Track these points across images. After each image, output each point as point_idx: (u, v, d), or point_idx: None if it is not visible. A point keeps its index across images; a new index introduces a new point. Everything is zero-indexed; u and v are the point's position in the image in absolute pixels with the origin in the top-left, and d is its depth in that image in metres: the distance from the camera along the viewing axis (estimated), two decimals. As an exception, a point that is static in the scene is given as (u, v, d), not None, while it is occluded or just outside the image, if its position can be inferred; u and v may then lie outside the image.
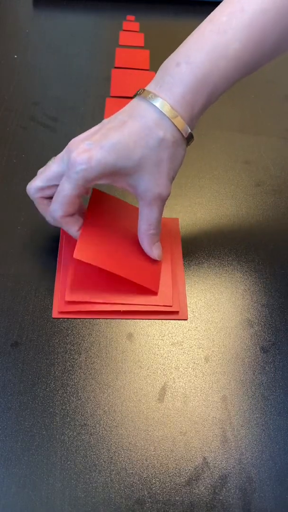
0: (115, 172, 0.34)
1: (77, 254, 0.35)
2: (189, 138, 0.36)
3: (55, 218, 0.36)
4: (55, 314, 0.37)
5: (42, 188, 0.37)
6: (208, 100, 0.35)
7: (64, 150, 0.35)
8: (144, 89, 0.35)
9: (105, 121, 0.36)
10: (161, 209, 0.37)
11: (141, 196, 0.36)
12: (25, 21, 0.69)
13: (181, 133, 0.34)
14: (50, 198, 0.37)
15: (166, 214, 0.45)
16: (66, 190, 0.34)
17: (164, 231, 0.43)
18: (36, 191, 0.37)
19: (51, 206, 0.36)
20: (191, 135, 0.35)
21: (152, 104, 0.34)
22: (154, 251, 0.39)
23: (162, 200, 0.36)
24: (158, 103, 0.33)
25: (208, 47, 0.33)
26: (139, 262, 0.39)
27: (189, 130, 0.35)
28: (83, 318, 0.37)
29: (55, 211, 0.35)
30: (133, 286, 0.38)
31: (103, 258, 0.37)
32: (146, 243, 0.38)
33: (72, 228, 0.37)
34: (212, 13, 0.34)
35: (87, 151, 0.33)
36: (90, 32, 0.70)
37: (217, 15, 0.34)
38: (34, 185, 0.37)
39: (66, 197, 0.34)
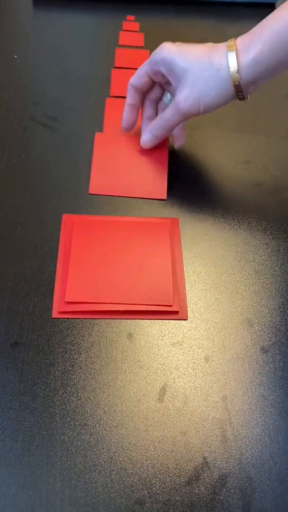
0: (171, 69, 0.41)
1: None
2: (238, 87, 0.39)
3: (130, 82, 0.46)
4: (55, 314, 0.37)
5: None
6: (266, 46, 0.37)
7: None
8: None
9: None
10: (173, 118, 0.43)
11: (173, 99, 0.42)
12: (25, 21, 0.69)
13: (229, 65, 0.38)
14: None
15: (166, 214, 0.45)
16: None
17: (164, 231, 0.43)
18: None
19: None
20: (240, 86, 0.39)
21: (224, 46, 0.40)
22: (145, 134, 0.47)
23: (177, 111, 0.42)
24: (229, 43, 0.39)
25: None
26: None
27: (236, 67, 0.38)
28: (83, 318, 0.37)
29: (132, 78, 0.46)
30: (133, 285, 0.38)
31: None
32: (149, 127, 0.46)
33: (127, 99, 0.47)
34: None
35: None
36: (90, 32, 0.70)
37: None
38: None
39: (139, 69, 0.45)
